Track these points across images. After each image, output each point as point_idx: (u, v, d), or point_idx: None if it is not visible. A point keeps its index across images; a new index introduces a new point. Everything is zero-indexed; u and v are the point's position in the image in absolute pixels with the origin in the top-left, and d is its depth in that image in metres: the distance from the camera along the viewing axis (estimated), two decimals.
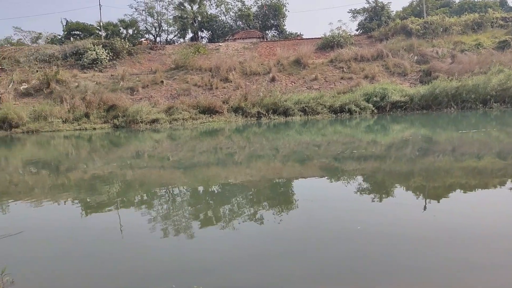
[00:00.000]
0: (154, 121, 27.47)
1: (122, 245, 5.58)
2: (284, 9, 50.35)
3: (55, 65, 36.85)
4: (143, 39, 48.48)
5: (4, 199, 8.90)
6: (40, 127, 27.56)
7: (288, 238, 5.54)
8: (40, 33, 49.59)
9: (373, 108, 26.10)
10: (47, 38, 49.77)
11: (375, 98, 26.40)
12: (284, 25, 51.24)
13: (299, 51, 35.13)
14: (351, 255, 4.88)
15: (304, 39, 41.87)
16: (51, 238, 5.92)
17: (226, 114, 28.00)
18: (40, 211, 7.53)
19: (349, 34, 38.23)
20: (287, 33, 50.91)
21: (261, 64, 34.45)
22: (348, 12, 53.59)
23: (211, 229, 6.12)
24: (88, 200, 8.37)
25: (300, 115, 26.77)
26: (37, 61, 38.28)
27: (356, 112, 25.91)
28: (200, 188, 9.06)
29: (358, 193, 7.85)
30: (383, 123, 21.05)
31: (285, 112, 27.13)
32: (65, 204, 8.05)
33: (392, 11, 47.97)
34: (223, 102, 29.41)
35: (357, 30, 47.75)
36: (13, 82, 34.39)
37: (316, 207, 7.05)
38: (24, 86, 33.71)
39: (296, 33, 51.30)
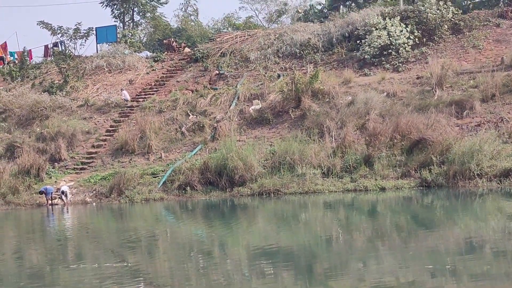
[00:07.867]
0: (507, 173, 16.19)
1: None
2: None
3: (310, 62, 23.51)
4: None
5: None
6: (274, 185, 17.22)
7: None
8: (297, 8, 35.76)
9: None
10: (297, 12, 35.12)
11: None
12: None
13: None
14: None
15: None
16: None
17: None
18: None
19: None
20: None
21: None
22: None
23: None
24: None
25: None
26: (278, 55, 24.70)
27: None
28: None
29: None
30: None
31: None
32: None
33: None
34: None
35: None
36: (237, 98, 22.04)
37: None
38: (256, 106, 21.44)
39: None
